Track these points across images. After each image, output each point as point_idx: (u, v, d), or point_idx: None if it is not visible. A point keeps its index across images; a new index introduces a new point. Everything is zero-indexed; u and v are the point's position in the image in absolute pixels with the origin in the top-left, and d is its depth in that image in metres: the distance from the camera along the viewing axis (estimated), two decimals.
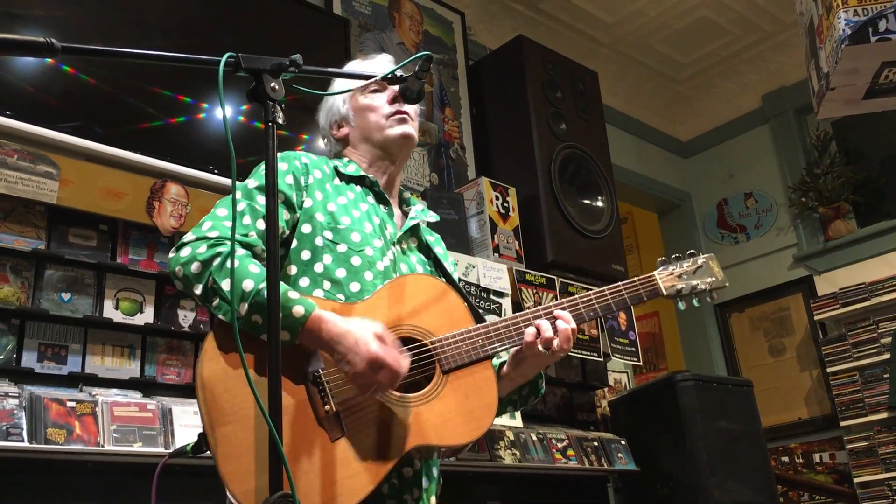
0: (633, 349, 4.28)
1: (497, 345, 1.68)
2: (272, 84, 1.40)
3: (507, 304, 3.68)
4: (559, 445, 3.68)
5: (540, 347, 1.68)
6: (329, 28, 3.85)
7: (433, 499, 1.71)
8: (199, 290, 1.56)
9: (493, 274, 3.69)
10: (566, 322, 1.71)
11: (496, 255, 3.84)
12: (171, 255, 1.61)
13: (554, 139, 4.30)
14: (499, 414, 1.84)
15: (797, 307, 5.79)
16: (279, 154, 1.76)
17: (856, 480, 5.03)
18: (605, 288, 1.82)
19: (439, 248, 1.98)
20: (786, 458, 5.67)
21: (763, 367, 5.85)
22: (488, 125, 4.58)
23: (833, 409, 5.29)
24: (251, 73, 1.40)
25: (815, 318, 5.44)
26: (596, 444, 3.87)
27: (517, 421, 3.65)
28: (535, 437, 3.59)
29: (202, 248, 1.57)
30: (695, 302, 1.89)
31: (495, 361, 1.81)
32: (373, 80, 1.77)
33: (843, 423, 5.14)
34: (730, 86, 6.38)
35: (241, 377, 1.48)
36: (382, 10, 4.37)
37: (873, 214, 5.61)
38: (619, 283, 1.84)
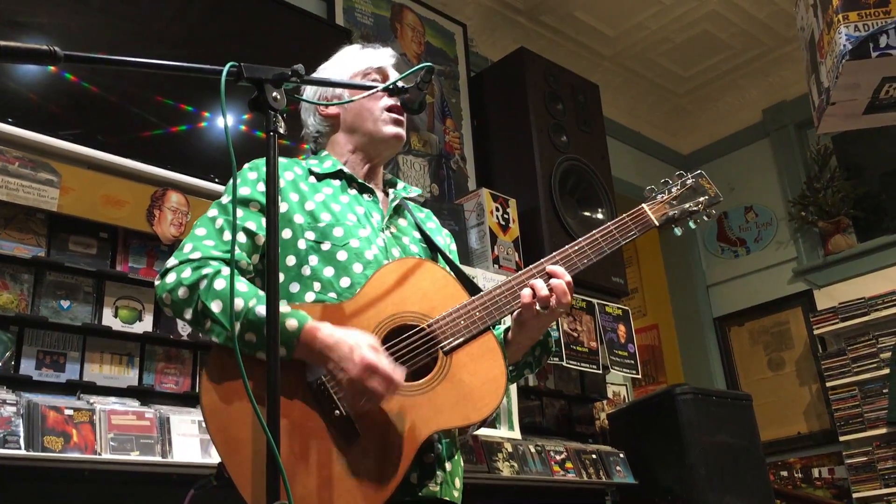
0: (632, 362, 4.27)
1: (495, 314, 1.65)
2: (274, 94, 1.40)
3: None
4: (557, 458, 3.67)
5: (538, 307, 1.64)
6: (331, 38, 3.86)
7: (458, 481, 1.69)
8: (189, 315, 1.55)
9: (493, 285, 3.68)
10: (559, 277, 1.67)
11: (496, 266, 3.84)
12: (156, 282, 1.61)
13: (555, 151, 4.30)
14: (517, 378, 1.83)
15: (797, 321, 5.79)
16: (247, 164, 1.76)
17: (855, 496, 5.02)
18: (594, 232, 1.76)
19: (430, 224, 1.95)
20: (785, 473, 5.66)
21: (762, 380, 5.84)
22: (489, 136, 4.59)
23: (832, 424, 5.28)
24: (253, 82, 1.40)
25: (815, 332, 5.44)
26: (594, 456, 3.86)
27: (515, 433, 3.64)
28: (533, 450, 3.58)
29: (187, 272, 1.56)
30: (691, 224, 1.82)
31: (499, 328, 1.79)
32: (373, 91, 1.76)
33: (842, 438, 5.12)
34: (730, 100, 6.40)
35: (244, 402, 1.48)
36: (385, 21, 4.39)
37: (873, 229, 5.61)
38: (609, 223, 1.77)
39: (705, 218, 1.83)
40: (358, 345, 1.49)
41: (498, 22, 5.25)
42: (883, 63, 2.45)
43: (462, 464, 1.75)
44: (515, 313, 1.70)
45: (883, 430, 4.92)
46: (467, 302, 1.65)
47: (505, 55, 4.69)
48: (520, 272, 1.71)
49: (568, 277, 1.68)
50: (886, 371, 4.94)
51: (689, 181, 1.83)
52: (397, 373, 1.50)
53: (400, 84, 1.70)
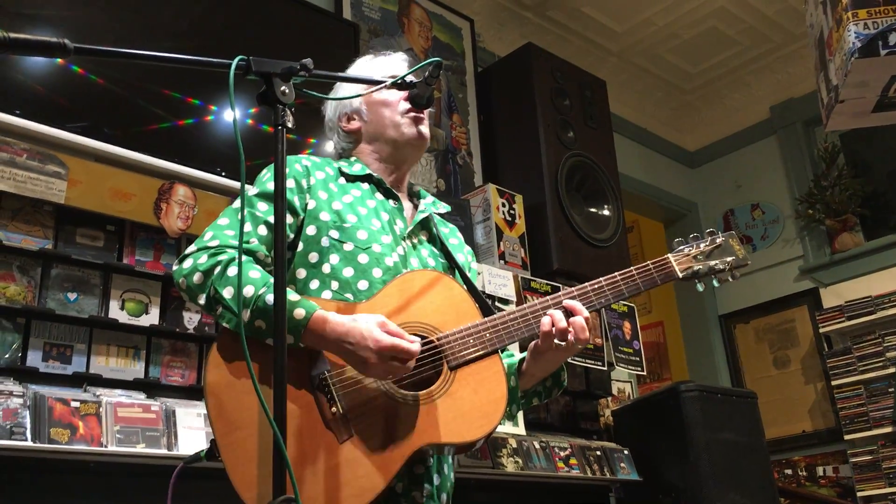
0: (638, 359, 4.27)
1: (505, 338, 1.65)
2: (282, 88, 1.40)
3: None
4: (562, 454, 3.67)
5: (555, 340, 1.64)
6: (339, 33, 3.86)
7: (444, 496, 1.69)
8: (202, 300, 1.58)
9: (499, 281, 3.69)
10: (578, 312, 1.67)
11: (502, 262, 3.84)
12: (174, 267, 1.64)
13: (561, 147, 4.30)
14: (525, 406, 1.82)
15: (802, 319, 5.78)
16: None
17: (859, 495, 5.01)
18: (616, 274, 1.75)
19: (454, 240, 1.96)
20: (789, 471, 5.65)
21: (767, 378, 5.83)
22: (496, 132, 4.58)
23: (837, 423, 5.27)
24: (261, 76, 1.40)
25: (821, 330, 5.42)
26: (599, 453, 3.86)
27: (520, 429, 3.65)
28: (537, 446, 3.58)
29: (203, 259, 1.59)
30: (714, 282, 1.81)
31: (513, 357, 1.80)
32: (382, 86, 1.76)
33: (847, 437, 5.12)
34: (738, 96, 6.37)
35: (247, 384, 1.50)
36: (392, 16, 4.38)
37: (880, 227, 5.59)
38: (632, 267, 1.77)
39: (730, 279, 1.81)
40: (368, 328, 1.50)
41: (505, 17, 5.24)
42: (892, 61, 2.44)
43: (452, 479, 1.75)
44: (532, 344, 1.71)
45: (888, 429, 4.91)
46: (479, 322, 1.65)
47: (512, 50, 4.69)
48: (535, 301, 1.71)
49: (586, 313, 1.68)
50: (892, 370, 4.93)
51: (718, 239, 1.82)
52: (413, 347, 1.51)
53: (408, 79, 1.70)
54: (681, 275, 1.78)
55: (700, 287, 1.82)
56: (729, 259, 1.81)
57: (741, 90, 6.33)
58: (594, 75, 4.88)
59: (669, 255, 1.80)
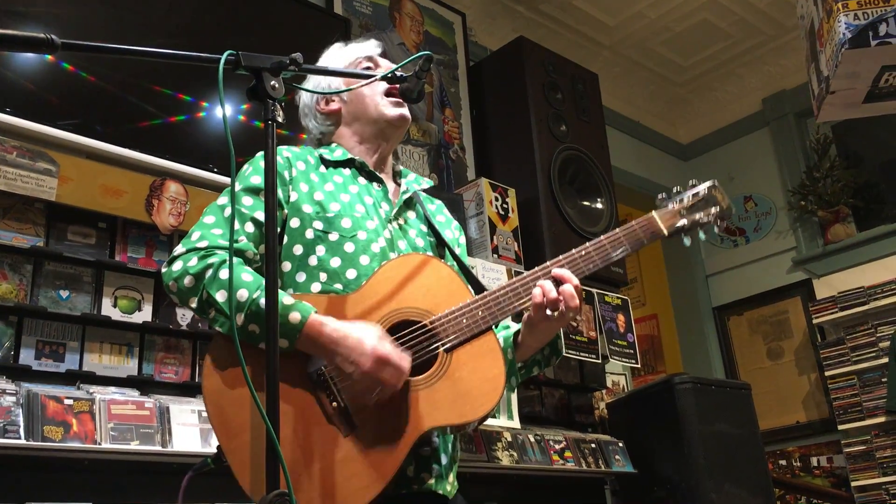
0: (632, 351, 4.27)
1: (497, 314, 1.63)
2: (272, 82, 1.40)
3: None
4: (557, 447, 3.68)
5: (547, 311, 1.63)
6: (330, 28, 3.85)
7: (451, 476, 1.70)
8: (194, 303, 1.56)
9: (492, 275, 3.69)
10: (567, 280, 1.65)
11: (495, 256, 3.84)
12: (163, 269, 1.61)
13: (554, 141, 4.30)
14: (526, 375, 1.81)
15: (796, 310, 5.79)
16: (258, 153, 1.76)
17: (853, 484, 5.03)
18: (602, 237, 1.73)
19: (441, 217, 1.95)
20: (783, 462, 5.67)
21: (761, 370, 5.85)
22: (488, 126, 4.58)
23: (831, 413, 5.29)
24: (251, 71, 1.40)
25: (814, 321, 5.44)
26: (593, 445, 3.87)
27: (515, 422, 3.65)
28: (532, 439, 3.59)
29: (193, 261, 1.57)
30: (701, 235, 1.77)
31: (508, 331, 1.79)
32: (372, 80, 1.76)
33: (840, 427, 5.14)
34: (730, 89, 6.38)
35: (244, 388, 1.48)
36: (383, 11, 4.38)
37: (872, 218, 5.61)
38: (617, 229, 1.74)
39: (715, 230, 1.78)
40: (365, 336, 1.50)
41: (497, 11, 5.24)
42: (882, 52, 2.45)
43: (458, 459, 1.75)
44: (526, 315, 1.69)
45: (881, 419, 4.93)
46: (471, 301, 1.64)
47: (504, 44, 4.68)
48: (525, 273, 1.70)
49: (576, 281, 1.66)
50: (885, 360, 4.95)
51: (701, 192, 1.78)
52: (405, 360, 1.52)
53: (399, 73, 1.70)
54: (666, 232, 1.75)
55: (687, 241, 1.78)
56: (713, 210, 1.77)
57: (733, 82, 6.34)
58: (586, 69, 4.87)
59: (654, 212, 1.78)
